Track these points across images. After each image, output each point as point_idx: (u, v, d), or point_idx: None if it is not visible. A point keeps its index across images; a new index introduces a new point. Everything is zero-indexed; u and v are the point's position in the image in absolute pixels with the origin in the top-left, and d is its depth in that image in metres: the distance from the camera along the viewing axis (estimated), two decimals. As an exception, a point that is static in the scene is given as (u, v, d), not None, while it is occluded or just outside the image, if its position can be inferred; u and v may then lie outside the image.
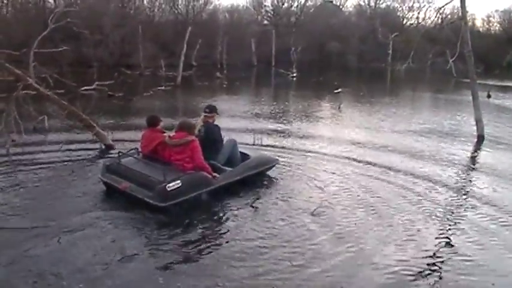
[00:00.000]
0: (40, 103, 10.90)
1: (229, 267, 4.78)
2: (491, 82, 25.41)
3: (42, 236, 5.23)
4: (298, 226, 5.84)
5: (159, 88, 20.83)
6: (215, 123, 7.65)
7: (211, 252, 5.14)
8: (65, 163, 8.38)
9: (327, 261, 4.96)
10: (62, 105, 9.61)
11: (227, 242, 5.39)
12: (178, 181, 6.24)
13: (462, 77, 27.94)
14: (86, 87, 18.14)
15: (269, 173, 8.00)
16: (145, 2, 37.51)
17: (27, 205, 6.20)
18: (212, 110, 7.67)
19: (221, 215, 6.27)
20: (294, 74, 30.95)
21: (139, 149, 7.31)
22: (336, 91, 21.59)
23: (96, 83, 19.28)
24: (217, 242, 5.47)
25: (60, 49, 18.97)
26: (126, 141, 9.91)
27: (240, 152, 7.87)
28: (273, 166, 8.17)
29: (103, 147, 9.68)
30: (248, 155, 7.88)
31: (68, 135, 10.52)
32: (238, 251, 5.13)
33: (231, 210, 6.38)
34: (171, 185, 6.16)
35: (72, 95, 12.58)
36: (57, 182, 7.24)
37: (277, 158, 8.52)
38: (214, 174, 6.83)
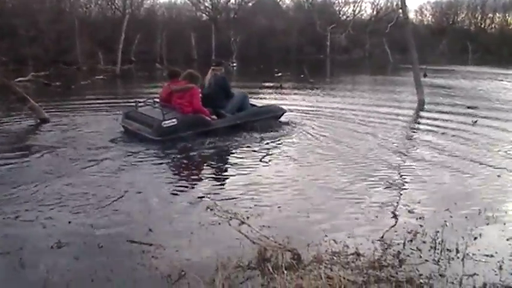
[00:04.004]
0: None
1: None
2: (425, 66, 26.17)
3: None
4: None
5: (98, 77, 20.26)
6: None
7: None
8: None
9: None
10: (-7, 77, 9.16)
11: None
12: (174, 119, 7.38)
13: (398, 63, 29.25)
14: (20, 79, 17.34)
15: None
16: (81, -2, 36.36)
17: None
18: (219, 63, 8.75)
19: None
20: (234, 64, 30.90)
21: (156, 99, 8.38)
22: (276, 75, 21.71)
23: (32, 73, 18.55)
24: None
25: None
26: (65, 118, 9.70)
27: (251, 104, 8.97)
28: (279, 115, 9.10)
29: (38, 121, 9.28)
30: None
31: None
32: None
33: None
34: (166, 122, 7.33)
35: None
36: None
37: (284, 108, 9.46)
38: (213, 116, 7.94)
